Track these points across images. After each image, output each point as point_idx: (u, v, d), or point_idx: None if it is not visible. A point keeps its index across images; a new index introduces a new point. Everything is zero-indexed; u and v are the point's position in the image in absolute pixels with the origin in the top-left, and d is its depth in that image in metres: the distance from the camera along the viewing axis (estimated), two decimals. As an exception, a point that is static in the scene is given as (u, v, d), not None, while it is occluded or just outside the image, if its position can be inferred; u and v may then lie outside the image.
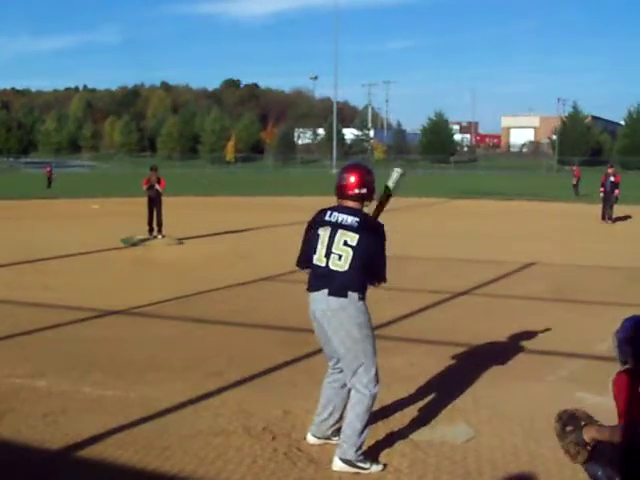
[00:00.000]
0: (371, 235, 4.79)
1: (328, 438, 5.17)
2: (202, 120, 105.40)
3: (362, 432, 4.80)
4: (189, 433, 5.44)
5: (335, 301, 4.76)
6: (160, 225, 18.26)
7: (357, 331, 4.76)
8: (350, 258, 4.74)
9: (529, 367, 7.26)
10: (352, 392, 4.86)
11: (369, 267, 4.77)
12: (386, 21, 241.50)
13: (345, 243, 4.76)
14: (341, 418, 5.06)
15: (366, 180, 4.86)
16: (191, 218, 24.13)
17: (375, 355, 4.86)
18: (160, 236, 18.08)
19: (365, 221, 4.84)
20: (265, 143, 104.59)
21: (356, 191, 4.83)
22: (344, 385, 5.00)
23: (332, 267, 4.79)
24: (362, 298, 4.79)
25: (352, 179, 4.85)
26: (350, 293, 4.74)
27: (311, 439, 5.23)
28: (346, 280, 4.76)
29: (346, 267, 4.75)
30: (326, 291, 4.79)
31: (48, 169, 44.79)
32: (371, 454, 4.93)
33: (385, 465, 4.88)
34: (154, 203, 18.35)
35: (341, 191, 4.91)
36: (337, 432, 5.08)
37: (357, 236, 4.75)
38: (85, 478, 4.83)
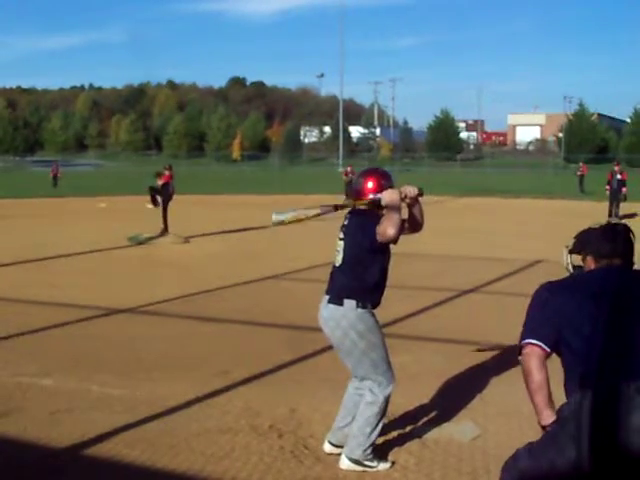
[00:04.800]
0: (357, 221, 4.78)
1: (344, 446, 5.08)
2: (208, 118, 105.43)
3: (371, 433, 4.78)
4: (196, 431, 5.44)
5: (334, 309, 4.75)
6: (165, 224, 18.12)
7: (359, 340, 4.71)
8: (342, 249, 4.77)
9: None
10: (365, 393, 4.84)
11: (360, 254, 4.70)
12: (392, 19, 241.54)
13: (340, 238, 4.83)
14: None
15: (382, 185, 4.76)
16: (197, 216, 24.14)
17: (385, 359, 4.82)
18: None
19: (356, 212, 4.84)
20: (271, 141, 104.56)
21: (371, 196, 4.75)
22: (355, 390, 4.96)
23: (335, 264, 4.84)
24: (362, 306, 4.71)
25: (369, 184, 4.79)
26: (346, 301, 4.70)
27: (327, 447, 5.07)
28: (340, 283, 4.74)
29: (340, 260, 4.77)
30: (327, 298, 4.81)
31: (53, 167, 44.82)
32: (378, 452, 4.92)
33: (393, 463, 4.88)
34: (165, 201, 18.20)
35: (357, 196, 4.87)
36: None
37: (346, 228, 4.82)
38: (91, 477, 4.83)
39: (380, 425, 4.82)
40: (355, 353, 4.76)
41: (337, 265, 4.81)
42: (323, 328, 4.87)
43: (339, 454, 4.92)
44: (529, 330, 3.14)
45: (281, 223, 4.77)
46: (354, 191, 4.91)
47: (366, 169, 5.09)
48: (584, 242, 3.40)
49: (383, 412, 4.81)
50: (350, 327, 4.70)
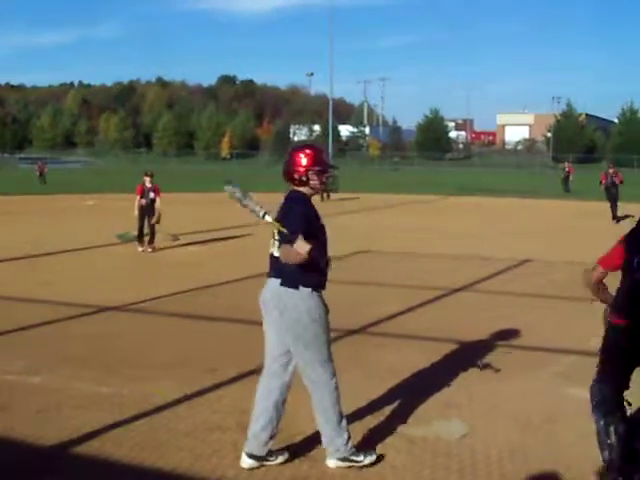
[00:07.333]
0: (283, 209, 4.73)
1: (264, 459, 4.78)
2: (198, 116, 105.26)
3: (341, 422, 4.74)
4: (184, 429, 5.43)
5: (289, 293, 4.61)
6: (152, 235, 16.21)
7: (311, 324, 4.61)
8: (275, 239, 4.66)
9: (524, 363, 7.27)
10: (312, 392, 4.75)
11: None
12: (382, 18, 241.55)
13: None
14: (275, 435, 4.80)
15: (316, 160, 4.75)
16: (187, 214, 24.08)
17: (329, 350, 4.74)
18: (150, 249, 16.00)
19: (286, 198, 4.80)
20: (260, 139, 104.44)
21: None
22: (279, 388, 4.80)
23: (275, 253, 4.68)
24: (315, 289, 4.63)
25: (302, 160, 4.74)
26: (301, 288, 4.59)
27: (245, 461, 4.78)
28: (289, 269, 4.54)
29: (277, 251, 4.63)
30: (278, 280, 4.66)
31: (39, 165, 44.89)
32: (365, 449, 4.92)
33: (381, 457, 4.89)
34: (146, 212, 16.11)
35: (287, 171, 4.85)
36: (272, 453, 4.80)
37: (278, 215, 4.71)
38: (79, 475, 4.82)
39: (342, 411, 4.76)
40: (305, 337, 4.64)
41: (276, 255, 4.64)
42: (266, 308, 4.74)
43: (260, 466, 4.76)
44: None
45: (229, 194, 4.74)
46: (285, 165, 4.82)
47: (301, 145, 4.99)
48: None
49: (337, 399, 4.73)
50: (305, 311, 4.59)
